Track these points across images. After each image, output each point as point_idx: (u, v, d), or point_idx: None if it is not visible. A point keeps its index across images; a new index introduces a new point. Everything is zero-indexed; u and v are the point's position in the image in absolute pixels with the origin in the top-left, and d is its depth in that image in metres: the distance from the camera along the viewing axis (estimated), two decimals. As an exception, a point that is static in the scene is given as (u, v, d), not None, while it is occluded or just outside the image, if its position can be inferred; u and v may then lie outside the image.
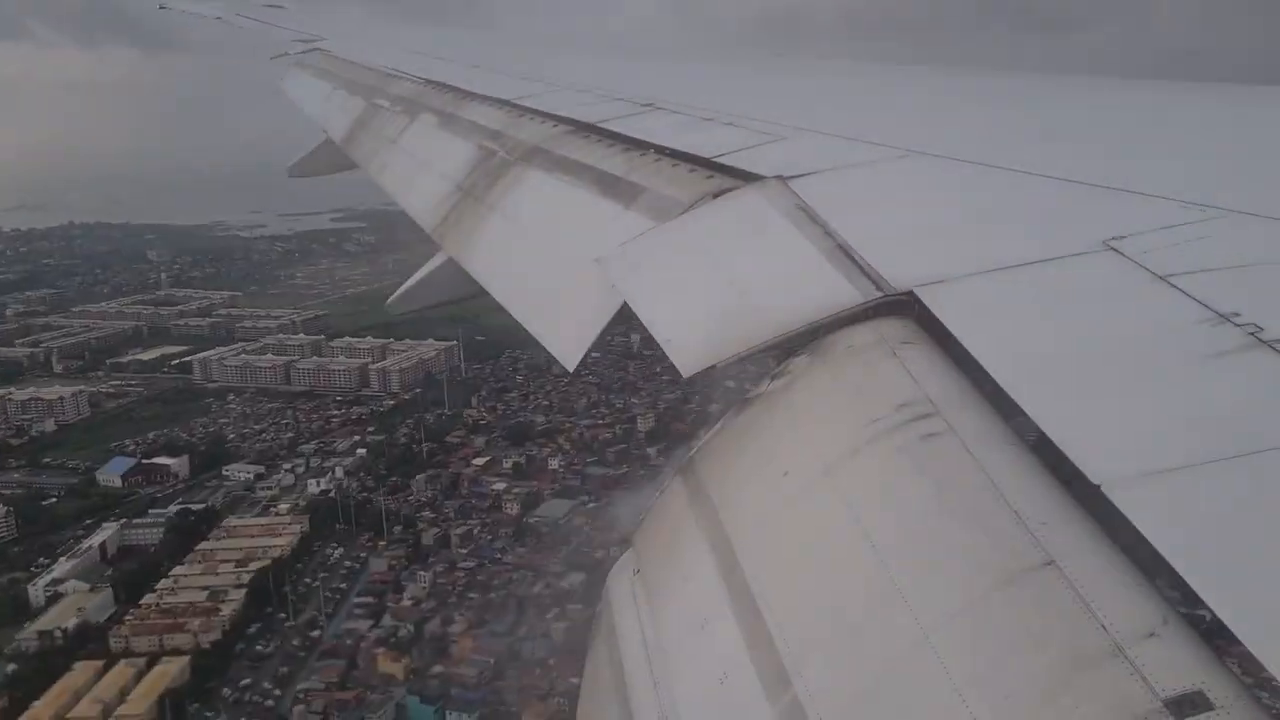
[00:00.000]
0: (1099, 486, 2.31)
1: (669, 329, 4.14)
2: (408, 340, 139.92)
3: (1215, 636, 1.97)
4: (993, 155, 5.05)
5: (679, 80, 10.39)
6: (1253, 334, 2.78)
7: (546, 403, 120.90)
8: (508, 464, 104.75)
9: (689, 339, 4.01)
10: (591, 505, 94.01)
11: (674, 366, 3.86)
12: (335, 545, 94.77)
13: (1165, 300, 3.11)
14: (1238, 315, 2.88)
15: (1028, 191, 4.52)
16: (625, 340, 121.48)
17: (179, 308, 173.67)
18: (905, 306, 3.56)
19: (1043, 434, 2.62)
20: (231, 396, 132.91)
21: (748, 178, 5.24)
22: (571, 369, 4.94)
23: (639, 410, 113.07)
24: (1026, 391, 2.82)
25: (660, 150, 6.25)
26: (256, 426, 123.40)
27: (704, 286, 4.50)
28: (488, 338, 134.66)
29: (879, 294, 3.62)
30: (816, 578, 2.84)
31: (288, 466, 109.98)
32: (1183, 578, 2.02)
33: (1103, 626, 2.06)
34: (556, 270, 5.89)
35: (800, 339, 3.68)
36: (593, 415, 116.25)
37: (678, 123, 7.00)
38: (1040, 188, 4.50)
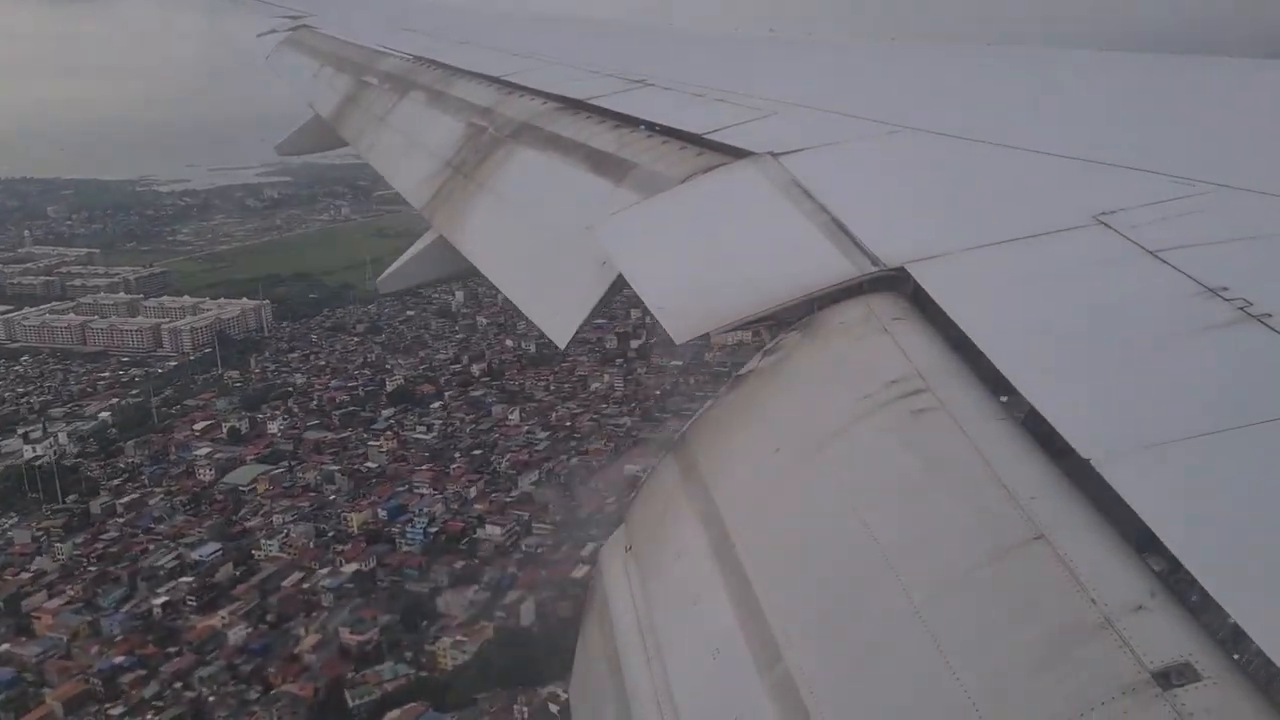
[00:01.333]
0: (1089, 461, 2.33)
1: (661, 297, 4.14)
2: (222, 300, 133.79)
3: (1204, 609, 1.98)
4: (984, 131, 5.05)
5: (671, 56, 10.34)
6: (1242, 308, 2.79)
7: (322, 363, 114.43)
8: (225, 428, 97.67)
9: (681, 307, 4.01)
10: (280, 469, 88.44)
11: (663, 336, 3.85)
12: (11, 515, 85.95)
13: (1155, 275, 3.12)
14: (1227, 290, 2.89)
15: (1018, 167, 4.51)
16: (447, 299, 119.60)
17: (25, 265, 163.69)
18: (896, 282, 3.56)
19: (1033, 409, 2.63)
20: (26, 357, 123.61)
21: (739, 154, 5.23)
22: (563, 345, 4.93)
23: (401, 371, 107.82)
24: (1017, 366, 2.82)
25: (651, 127, 6.23)
26: (20, 390, 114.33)
27: (696, 256, 4.50)
28: (321, 296, 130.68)
29: (871, 269, 3.62)
30: (808, 553, 2.85)
31: (22, 431, 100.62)
32: (1171, 551, 2.04)
33: (1091, 600, 2.08)
34: (547, 248, 5.87)
35: (792, 312, 3.68)
36: (355, 376, 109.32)
37: (669, 99, 6.97)
38: (1031, 163, 4.50)
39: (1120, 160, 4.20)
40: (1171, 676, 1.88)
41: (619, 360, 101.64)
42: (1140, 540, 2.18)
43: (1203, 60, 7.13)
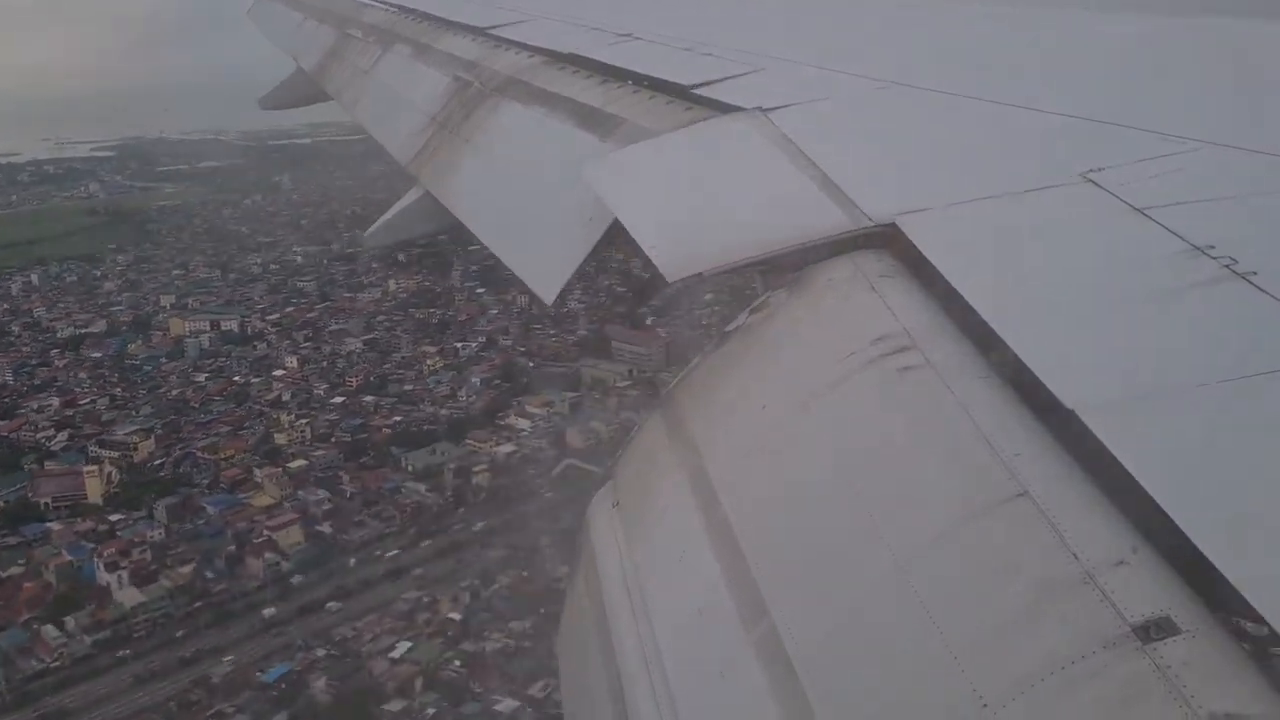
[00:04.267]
0: (1073, 412, 2.34)
1: (654, 235, 4.12)
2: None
3: (1184, 561, 2.01)
4: (973, 88, 5.01)
5: (658, 10, 10.22)
6: (1227, 266, 2.80)
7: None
8: None
9: (674, 246, 3.99)
10: None
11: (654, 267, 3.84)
12: None
13: (1142, 232, 3.12)
14: (1213, 248, 2.89)
15: (1008, 124, 4.49)
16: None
17: None
18: (883, 239, 3.55)
19: (1019, 367, 2.64)
20: None
21: (727, 109, 5.19)
22: (549, 301, 4.90)
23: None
24: (1004, 320, 2.83)
25: (638, 81, 6.17)
26: None
27: (688, 199, 4.50)
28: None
29: (862, 224, 3.60)
30: (793, 510, 2.87)
31: None
32: (1154, 499, 2.06)
33: (1074, 555, 2.10)
34: (533, 203, 5.84)
35: (782, 260, 3.67)
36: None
37: (656, 53, 6.90)
38: (1020, 120, 4.48)
39: (1110, 118, 4.18)
40: (1151, 630, 1.90)
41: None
42: (1123, 497, 2.20)
43: (1193, 20, 7.09)
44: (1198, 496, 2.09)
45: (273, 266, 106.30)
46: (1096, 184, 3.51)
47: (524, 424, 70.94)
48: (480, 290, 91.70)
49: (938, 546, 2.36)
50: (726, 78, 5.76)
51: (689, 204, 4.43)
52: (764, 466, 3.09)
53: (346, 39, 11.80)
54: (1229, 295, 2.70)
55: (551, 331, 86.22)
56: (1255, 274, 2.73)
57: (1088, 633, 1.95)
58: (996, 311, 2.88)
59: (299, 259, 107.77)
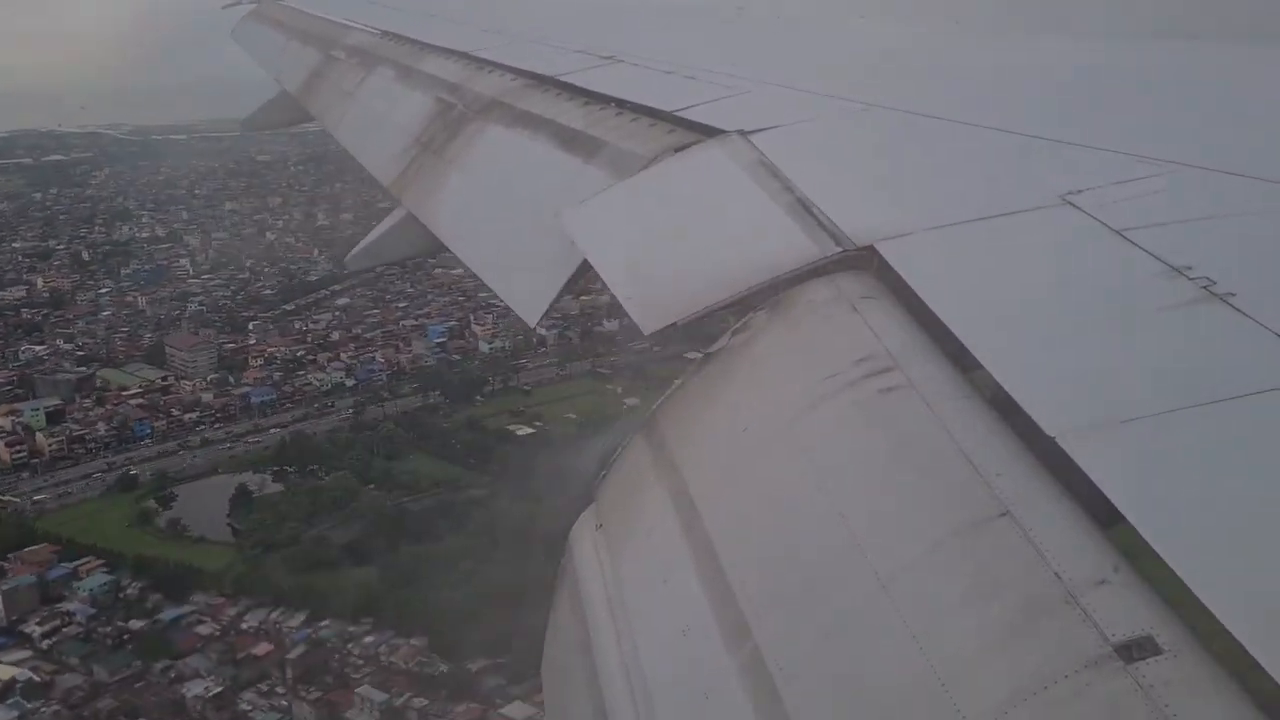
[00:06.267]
0: (1054, 438, 2.35)
1: (629, 286, 4.12)
2: None
3: (1165, 584, 2.01)
4: (954, 111, 5.06)
5: (641, 33, 10.28)
6: (1205, 287, 2.82)
7: None
8: None
9: (649, 296, 3.99)
10: None
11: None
12: None
13: (1121, 254, 3.15)
14: (1191, 269, 2.92)
15: (987, 146, 4.53)
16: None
17: None
18: (865, 261, 3.57)
19: (1000, 387, 2.65)
20: None
21: (709, 132, 5.21)
22: (533, 324, 4.92)
23: None
24: (984, 344, 2.84)
25: (621, 104, 6.19)
26: None
27: (663, 243, 4.48)
28: None
29: (839, 249, 3.62)
30: (777, 531, 2.87)
31: None
32: (1133, 525, 2.06)
33: (1055, 575, 2.10)
34: (516, 226, 5.84)
35: (762, 294, 3.68)
36: None
37: (639, 76, 6.93)
38: (1000, 142, 4.52)
39: (1088, 141, 4.22)
40: (1133, 650, 1.90)
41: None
42: (1103, 515, 2.21)
43: (1171, 43, 7.19)
44: (1175, 520, 2.10)
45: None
46: (1075, 206, 3.54)
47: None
48: None
49: (920, 567, 2.37)
50: (709, 101, 5.79)
51: (664, 248, 4.42)
52: (747, 488, 3.08)
53: (330, 60, 11.82)
54: (1207, 316, 2.72)
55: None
56: (1233, 295, 2.76)
57: (1070, 652, 1.95)
58: (976, 335, 2.90)
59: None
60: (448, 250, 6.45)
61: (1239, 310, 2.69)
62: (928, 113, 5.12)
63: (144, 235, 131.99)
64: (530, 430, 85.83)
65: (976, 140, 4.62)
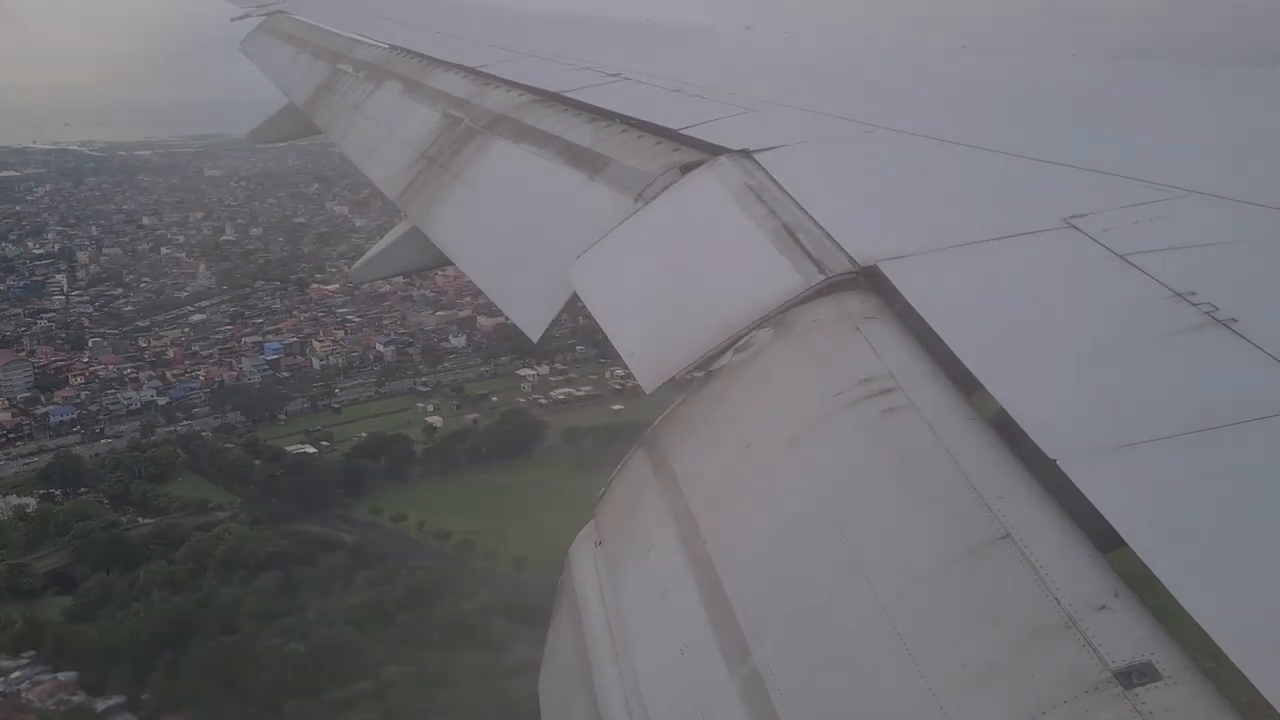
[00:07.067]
0: (1055, 461, 2.34)
1: (631, 342, 4.10)
2: None
3: (1165, 610, 2.01)
4: (959, 132, 5.07)
5: (648, 51, 10.33)
6: (1209, 313, 2.82)
7: None
8: None
9: (650, 352, 3.96)
10: None
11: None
12: None
13: (1124, 278, 3.15)
14: (1194, 294, 2.92)
15: (992, 168, 4.54)
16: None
17: None
18: (869, 281, 3.57)
19: (1002, 409, 2.65)
20: None
21: (715, 150, 5.23)
22: (535, 339, 4.94)
23: None
24: (986, 366, 2.84)
25: (627, 121, 6.22)
26: None
27: (666, 289, 4.40)
28: None
29: (843, 270, 3.62)
30: (777, 550, 2.86)
31: None
32: (1134, 551, 2.06)
33: (1055, 599, 2.09)
34: (521, 242, 5.85)
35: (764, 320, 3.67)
36: None
37: (645, 94, 6.96)
38: (1004, 165, 4.53)
39: (1092, 164, 4.23)
40: (1133, 676, 1.90)
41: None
42: (1104, 540, 2.21)
43: (1175, 66, 7.21)
44: (1176, 545, 2.09)
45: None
46: (1079, 229, 3.54)
47: None
48: None
49: (920, 589, 2.36)
50: (715, 119, 5.81)
51: (666, 294, 4.35)
52: (748, 506, 3.08)
53: (338, 74, 11.88)
54: (1210, 342, 2.72)
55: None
56: (1236, 320, 2.76)
57: (1069, 678, 1.95)
58: (978, 356, 2.89)
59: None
60: (451, 264, 6.47)
61: (1242, 336, 2.69)
62: (932, 134, 5.13)
63: (39, 250, 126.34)
64: (312, 450, 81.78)
65: (981, 162, 4.63)
